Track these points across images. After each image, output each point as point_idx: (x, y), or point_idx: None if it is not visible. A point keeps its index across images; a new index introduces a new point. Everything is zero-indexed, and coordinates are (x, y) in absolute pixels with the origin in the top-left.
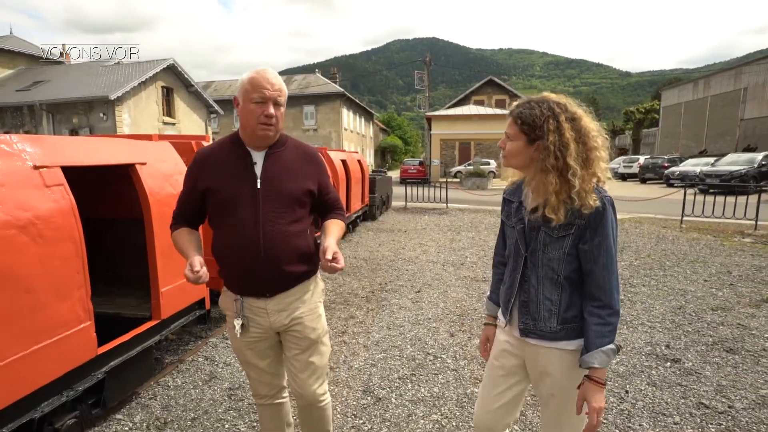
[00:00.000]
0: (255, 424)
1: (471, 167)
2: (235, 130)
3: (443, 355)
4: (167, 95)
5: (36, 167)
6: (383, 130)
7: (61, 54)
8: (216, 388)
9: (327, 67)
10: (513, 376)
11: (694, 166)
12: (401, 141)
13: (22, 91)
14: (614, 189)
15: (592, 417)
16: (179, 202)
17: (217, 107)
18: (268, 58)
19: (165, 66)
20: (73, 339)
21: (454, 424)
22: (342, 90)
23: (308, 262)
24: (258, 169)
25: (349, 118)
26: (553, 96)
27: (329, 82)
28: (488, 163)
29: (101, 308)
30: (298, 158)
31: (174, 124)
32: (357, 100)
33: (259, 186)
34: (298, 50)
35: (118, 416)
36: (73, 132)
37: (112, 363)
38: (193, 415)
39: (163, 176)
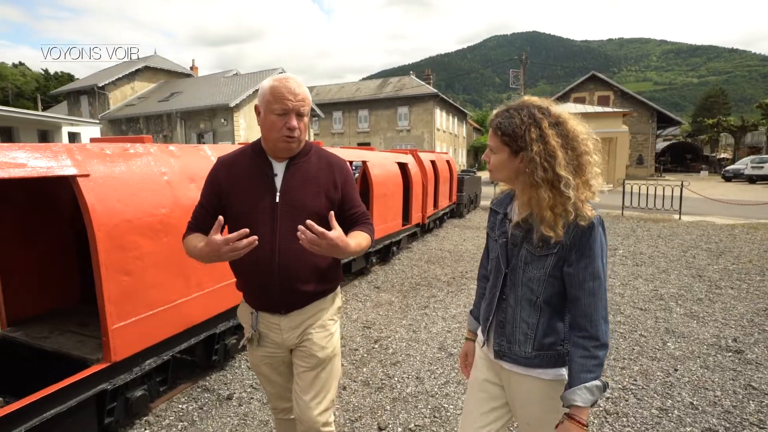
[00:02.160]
0: None
1: None
2: (313, 135)
3: None
4: None
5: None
6: (477, 129)
7: (191, 68)
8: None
9: (422, 68)
10: (496, 399)
11: None
12: None
13: (162, 101)
14: (730, 191)
15: None
16: (194, 213)
17: (318, 111)
18: (365, 62)
19: (276, 75)
20: (228, 288)
21: None
22: (435, 91)
23: (325, 280)
24: (278, 181)
25: (441, 118)
26: (534, 100)
27: (423, 83)
28: None
29: None
30: (321, 169)
31: None
32: (450, 100)
33: (277, 199)
34: (393, 52)
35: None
36: (200, 135)
37: None
38: None
39: None
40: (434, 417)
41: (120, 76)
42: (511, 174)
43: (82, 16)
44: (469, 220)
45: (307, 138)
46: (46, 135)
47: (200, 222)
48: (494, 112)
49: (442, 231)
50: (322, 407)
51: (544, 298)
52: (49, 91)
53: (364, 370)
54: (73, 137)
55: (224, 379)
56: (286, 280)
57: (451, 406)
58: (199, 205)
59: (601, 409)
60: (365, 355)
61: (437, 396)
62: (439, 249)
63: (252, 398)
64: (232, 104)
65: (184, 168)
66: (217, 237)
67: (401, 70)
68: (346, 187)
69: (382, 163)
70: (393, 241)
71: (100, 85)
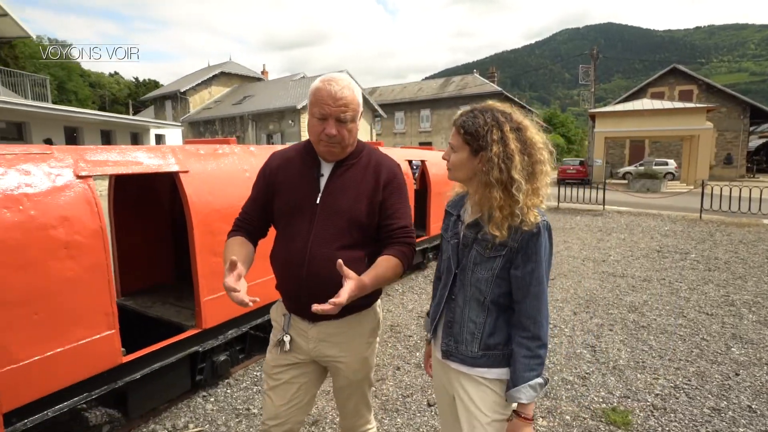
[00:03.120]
0: None
1: (642, 168)
2: (393, 133)
3: (562, 326)
4: None
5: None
6: (543, 128)
7: (262, 72)
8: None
9: (487, 65)
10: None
11: None
12: (563, 139)
13: (235, 104)
14: None
15: None
16: (244, 208)
17: (381, 111)
18: (428, 61)
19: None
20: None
21: (558, 368)
22: (499, 89)
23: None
24: (323, 182)
25: None
26: (498, 105)
27: (487, 81)
28: (665, 164)
29: None
30: (367, 174)
31: None
32: (516, 98)
33: (318, 201)
34: (458, 50)
35: None
36: (269, 136)
37: None
38: None
39: None
40: None
41: (199, 81)
42: (469, 173)
43: (168, 28)
44: None
45: (355, 141)
46: (137, 137)
47: (249, 218)
48: (459, 112)
49: None
50: (358, 416)
51: (492, 298)
52: (139, 97)
53: (417, 354)
54: (159, 138)
55: None
56: (313, 288)
57: None
58: (251, 200)
59: (648, 403)
60: (419, 341)
61: None
62: None
63: None
64: (299, 106)
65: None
66: (227, 281)
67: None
68: (387, 192)
69: (440, 162)
70: None
71: (182, 91)
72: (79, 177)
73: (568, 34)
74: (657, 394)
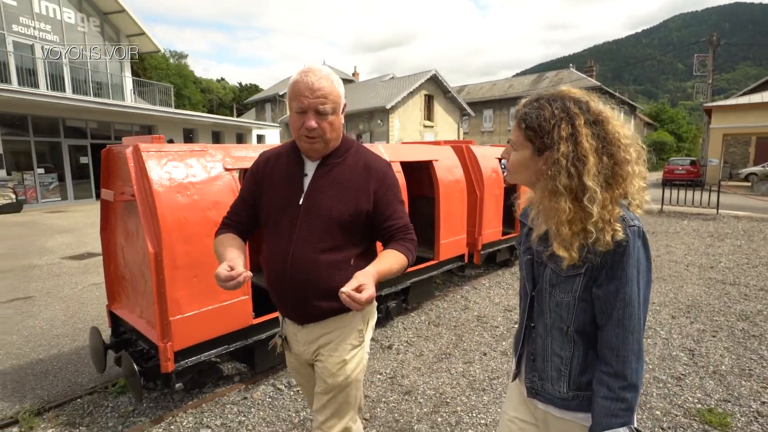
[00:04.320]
0: None
1: None
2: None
3: (657, 328)
4: (428, 102)
5: (389, 162)
6: (648, 124)
7: (353, 74)
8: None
9: (584, 59)
10: None
11: None
12: (672, 137)
13: None
14: None
15: None
16: (232, 206)
17: (469, 110)
18: (520, 56)
19: (428, 77)
20: None
21: (650, 367)
22: (597, 83)
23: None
24: (306, 182)
25: None
26: (572, 92)
27: (584, 76)
28: None
29: None
30: (355, 172)
31: (432, 127)
32: (617, 93)
33: (300, 201)
34: (552, 43)
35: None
36: (359, 136)
37: (413, 279)
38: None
39: (447, 169)
40: None
41: None
42: (532, 176)
43: (268, 35)
44: None
45: (339, 136)
46: (241, 136)
47: (237, 216)
48: (522, 101)
49: None
50: (334, 431)
51: (576, 327)
52: (242, 100)
53: (503, 343)
54: (260, 138)
55: (386, 334)
56: (297, 290)
57: None
58: (240, 198)
59: (752, 409)
60: (505, 332)
61: None
62: None
63: (407, 350)
64: (388, 106)
65: None
66: (221, 272)
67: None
68: (380, 194)
69: None
70: None
71: (281, 94)
72: (226, 169)
73: (683, 20)
74: (764, 402)
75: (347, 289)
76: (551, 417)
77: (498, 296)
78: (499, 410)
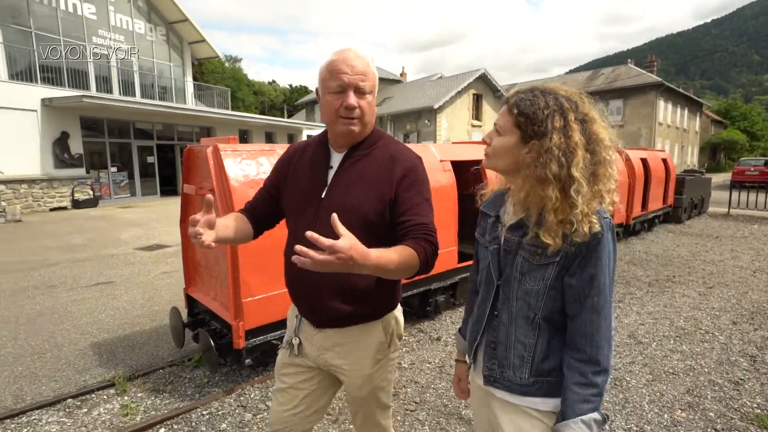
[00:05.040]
0: None
1: None
2: None
3: (716, 332)
4: (477, 101)
5: (441, 161)
6: (716, 122)
7: (400, 74)
8: None
9: (644, 53)
10: None
11: None
12: (744, 135)
13: (376, 106)
14: None
15: None
16: (255, 194)
17: None
18: (574, 52)
19: (477, 76)
20: (449, 254)
21: (706, 371)
22: (658, 79)
23: (364, 302)
24: (330, 175)
25: (666, 111)
26: (564, 89)
27: (643, 72)
28: None
29: (460, 247)
30: (380, 165)
31: (480, 126)
32: (680, 89)
33: (323, 195)
34: (609, 38)
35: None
36: (406, 136)
37: (462, 275)
38: None
39: None
40: (614, 384)
41: None
42: (512, 164)
43: (317, 38)
44: (688, 227)
45: (373, 122)
46: (292, 137)
47: (255, 203)
48: (513, 90)
49: (650, 235)
50: None
51: (544, 314)
52: (292, 101)
53: None
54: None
55: (434, 326)
56: (312, 290)
57: (633, 380)
58: (262, 188)
59: None
60: None
61: (620, 370)
62: (644, 252)
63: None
64: (436, 106)
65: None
66: (195, 216)
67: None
68: (402, 187)
69: None
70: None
71: None
72: None
73: (760, 7)
74: None
75: (315, 235)
76: (508, 405)
77: None
78: None
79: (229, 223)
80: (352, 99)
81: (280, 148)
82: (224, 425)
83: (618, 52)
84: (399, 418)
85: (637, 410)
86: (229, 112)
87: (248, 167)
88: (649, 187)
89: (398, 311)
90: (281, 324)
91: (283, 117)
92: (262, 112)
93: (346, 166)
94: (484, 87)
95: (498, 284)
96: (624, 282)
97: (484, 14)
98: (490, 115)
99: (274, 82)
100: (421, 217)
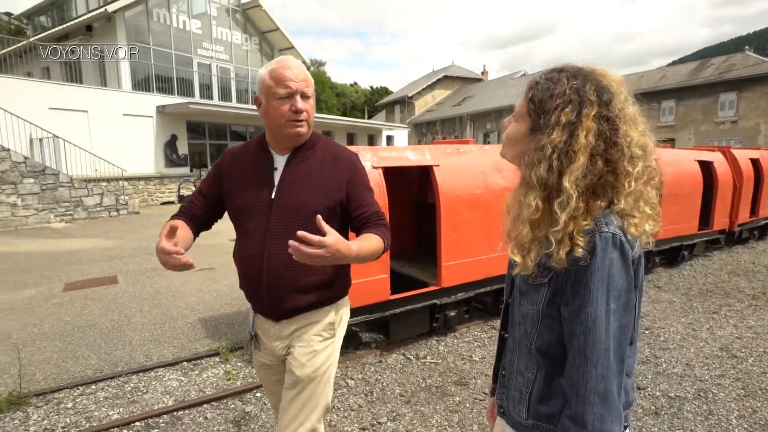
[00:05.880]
0: None
1: None
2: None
3: None
4: None
5: (356, 153)
6: None
7: (482, 72)
8: None
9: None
10: None
11: None
12: None
13: (455, 106)
14: None
15: None
16: (191, 197)
17: None
18: (677, 41)
19: None
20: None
21: None
22: None
23: (321, 290)
24: (277, 177)
25: None
26: (601, 72)
27: (764, 59)
28: None
29: None
30: (325, 164)
31: None
32: None
33: (273, 196)
34: (721, 23)
35: None
36: (486, 135)
37: None
38: None
39: None
40: (698, 395)
41: (424, 86)
42: (520, 156)
43: (397, 39)
44: None
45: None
46: (372, 138)
47: (192, 207)
48: (547, 69)
49: (761, 244)
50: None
51: (538, 345)
52: (373, 102)
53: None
54: (390, 139)
55: None
56: (273, 287)
57: (722, 394)
58: (198, 191)
59: None
60: (659, 332)
61: (707, 382)
62: (751, 262)
63: None
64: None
65: (493, 162)
66: (163, 243)
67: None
68: (352, 184)
69: (676, 160)
70: (684, 244)
71: (409, 96)
72: (374, 167)
73: None
74: None
75: (307, 234)
76: None
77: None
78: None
79: (184, 234)
80: (300, 103)
81: (364, 150)
82: None
83: (733, 39)
84: (468, 405)
85: (723, 423)
86: (314, 114)
87: None
88: (760, 190)
89: (347, 300)
90: (361, 310)
91: (363, 118)
92: (344, 114)
93: (291, 167)
94: None
95: (507, 302)
96: (722, 293)
97: (573, 5)
98: None
99: (355, 83)
100: (372, 207)
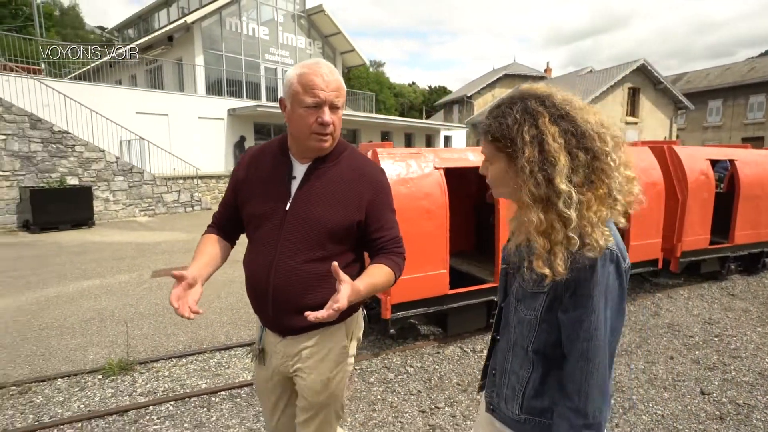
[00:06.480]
0: None
1: None
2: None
3: None
4: (632, 95)
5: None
6: None
7: (545, 70)
8: None
9: None
10: None
11: None
12: None
13: None
14: None
15: None
16: (219, 207)
17: (687, 102)
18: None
19: (635, 67)
20: None
21: None
22: None
23: None
24: (294, 186)
25: None
26: (533, 89)
27: None
28: None
29: None
30: (348, 178)
31: (636, 123)
32: None
33: (288, 207)
34: None
35: None
36: None
37: None
38: None
39: (642, 171)
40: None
41: (484, 86)
42: (515, 189)
43: (456, 38)
44: None
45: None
46: (430, 138)
47: (221, 216)
48: (488, 112)
49: None
50: None
51: (535, 347)
52: (431, 102)
53: (696, 352)
54: (447, 140)
55: None
56: (280, 302)
57: None
58: (224, 199)
59: None
60: (700, 342)
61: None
62: None
63: None
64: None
65: None
66: (175, 291)
67: None
68: (374, 204)
69: (758, 161)
70: (765, 251)
71: (468, 95)
72: (436, 168)
73: None
74: None
75: (332, 306)
76: None
77: (698, 308)
78: (679, 408)
79: (208, 259)
80: (328, 116)
81: (426, 152)
82: (372, 379)
83: None
84: None
85: None
86: (373, 115)
87: (400, 168)
88: None
89: (360, 313)
90: (420, 303)
91: (421, 118)
92: (402, 114)
93: (311, 178)
94: (642, 79)
95: (501, 306)
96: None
97: None
98: (649, 110)
99: (413, 83)
100: (391, 232)
